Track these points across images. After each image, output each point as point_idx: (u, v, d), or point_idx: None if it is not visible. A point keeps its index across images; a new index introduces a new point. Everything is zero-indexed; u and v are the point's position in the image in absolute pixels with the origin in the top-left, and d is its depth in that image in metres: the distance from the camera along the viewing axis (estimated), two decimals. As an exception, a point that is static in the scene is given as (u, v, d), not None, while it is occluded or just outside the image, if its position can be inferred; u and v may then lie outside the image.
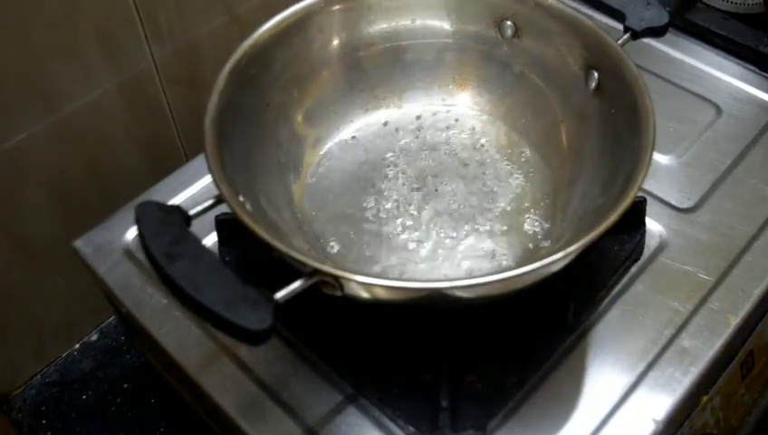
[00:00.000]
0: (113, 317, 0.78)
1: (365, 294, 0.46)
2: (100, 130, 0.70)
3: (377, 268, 0.56)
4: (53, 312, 0.75)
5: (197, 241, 0.44)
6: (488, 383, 0.53)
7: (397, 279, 0.45)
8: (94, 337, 0.79)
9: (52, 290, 0.74)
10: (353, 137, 0.65)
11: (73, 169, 0.70)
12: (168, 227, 0.45)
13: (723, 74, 0.75)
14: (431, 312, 0.52)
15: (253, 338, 0.41)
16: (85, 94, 0.67)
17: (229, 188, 0.48)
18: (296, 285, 0.43)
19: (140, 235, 0.44)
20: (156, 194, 0.66)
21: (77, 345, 0.78)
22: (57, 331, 0.76)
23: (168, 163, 0.73)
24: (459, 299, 0.47)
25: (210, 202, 0.48)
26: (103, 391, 0.74)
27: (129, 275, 0.61)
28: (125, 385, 0.75)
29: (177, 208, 0.46)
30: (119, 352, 0.77)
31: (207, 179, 0.59)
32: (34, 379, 0.76)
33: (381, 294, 0.46)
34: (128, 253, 0.62)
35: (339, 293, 0.45)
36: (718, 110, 0.72)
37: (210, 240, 0.62)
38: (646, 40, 0.64)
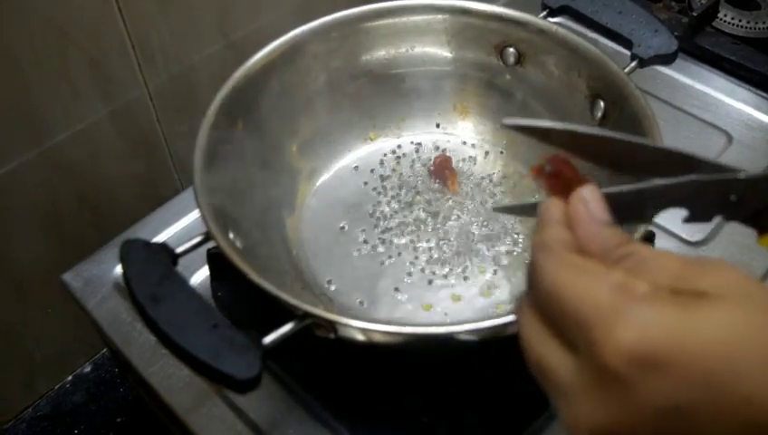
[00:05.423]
0: (107, 349, 0.76)
1: (360, 338, 0.44)
2: (92, 159, 0.68)
3: (374, 307, 0.54)
4: (45, 343, 0.73)
5: (183, 282, 0.42)
6: (489, 425, 0.50)
7: (393, 324, 0.43)
8: (87, 369, 0.77)
9: (43, 321, 0.72)
10: (355, 167, 0.63)
11: (65, 199, 0.68)
12: (154, 266, 0.43)
13: (733, 101, 0.73)
14: (428, 353, 0.50)
15: (240, 386, 0.39)
16: (76, 123, 0.65)
17: (218, 227, 0.46)
18: (287, 328, 0.42)
19: (125, 275, 0.42)
20: (148, 225, 0.64)
21: (69, 377, 0.76)
22: (49, 363, 0.74)
23: (163, 192, 0.71)
24: (458, 343, 0.45)
25: (198, 239, 0.47)
26: (96, 425, 0.72)
27: (119, 311, 0.59)
28: (118, 419, 0.73)
29: (163, 247, 0.45)
30: (112, 384, 0.75)
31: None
32: (25, 412, 0.74)
33: (377, 338, 0.44)
34: (117, 287, 0.60)
35: (332, 335, 0.43)
36: (729, 137, 0.69)
37: (203, 274, 0.60)
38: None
